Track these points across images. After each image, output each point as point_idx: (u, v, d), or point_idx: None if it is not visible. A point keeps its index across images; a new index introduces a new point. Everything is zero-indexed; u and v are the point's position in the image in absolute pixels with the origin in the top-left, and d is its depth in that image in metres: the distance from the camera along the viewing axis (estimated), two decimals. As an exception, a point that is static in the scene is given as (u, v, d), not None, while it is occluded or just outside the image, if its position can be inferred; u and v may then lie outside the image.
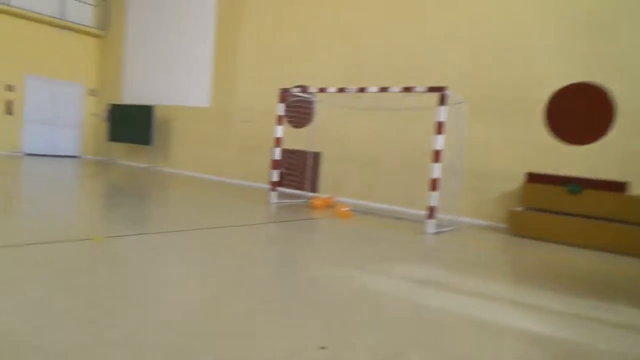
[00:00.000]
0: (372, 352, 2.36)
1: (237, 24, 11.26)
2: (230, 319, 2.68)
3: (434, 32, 8.26)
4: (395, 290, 3.56)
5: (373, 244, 5.46)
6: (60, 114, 14.22)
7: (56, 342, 2.16)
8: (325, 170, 9.50)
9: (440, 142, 6.34)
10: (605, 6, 6.77)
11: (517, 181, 7.30)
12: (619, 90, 6.59)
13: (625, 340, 2.95)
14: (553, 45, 7.12)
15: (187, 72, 12.35)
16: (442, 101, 6.33)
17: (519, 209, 6.97)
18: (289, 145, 9.21)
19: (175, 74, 12.67)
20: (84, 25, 14.32)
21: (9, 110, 12.78)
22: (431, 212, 6.41)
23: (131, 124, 13.11)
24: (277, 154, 8.12)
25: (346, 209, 7.37)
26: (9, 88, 12.80)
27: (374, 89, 7.15)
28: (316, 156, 9.41)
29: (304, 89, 8.43)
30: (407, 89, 6.80)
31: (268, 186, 9.45)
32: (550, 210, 6.68)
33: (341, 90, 7.50)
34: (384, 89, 7.04)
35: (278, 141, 8.06)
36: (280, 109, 8.06)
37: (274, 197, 8.08)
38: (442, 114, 6.33)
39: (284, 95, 8.14)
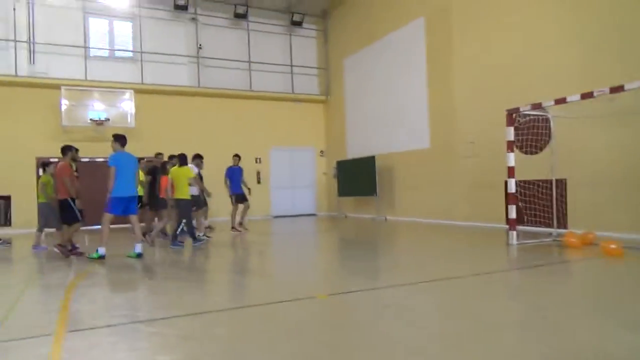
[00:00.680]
0: None
1: (446, 59, 10.66)
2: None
3: None
4: None
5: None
6: (298, 177, 15.84)
7: None
8: (573, 200, 7.72)
9: None
10: None
11: None
12: None
13: None
14: None
15: (403, 117, 12.22)
16: None
17: None
18: (523, 175, 7.79)
19: (392, 122, 12.69)
20: (310, 94, 15.98)
21: (258, 180, 14.84)
22: None
23: (356, 178, 13.59)
24: (512, 186, 6.95)
25: (614, 245, 5.65)
26: (258, 160, 14.95)
27: (634, 84, 5.46)
28: (561, 184, 7.74)
29: (534, 106, 7.06)
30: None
31: (504, 225, 8.10)
32: None
33: (586, 95, 5.97)
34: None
35: (511, 171, 6.93)
36: (510, 134, 6.95)
37: (513, 237, 6.85)
38: None
39: (511, 116, 7.01)
